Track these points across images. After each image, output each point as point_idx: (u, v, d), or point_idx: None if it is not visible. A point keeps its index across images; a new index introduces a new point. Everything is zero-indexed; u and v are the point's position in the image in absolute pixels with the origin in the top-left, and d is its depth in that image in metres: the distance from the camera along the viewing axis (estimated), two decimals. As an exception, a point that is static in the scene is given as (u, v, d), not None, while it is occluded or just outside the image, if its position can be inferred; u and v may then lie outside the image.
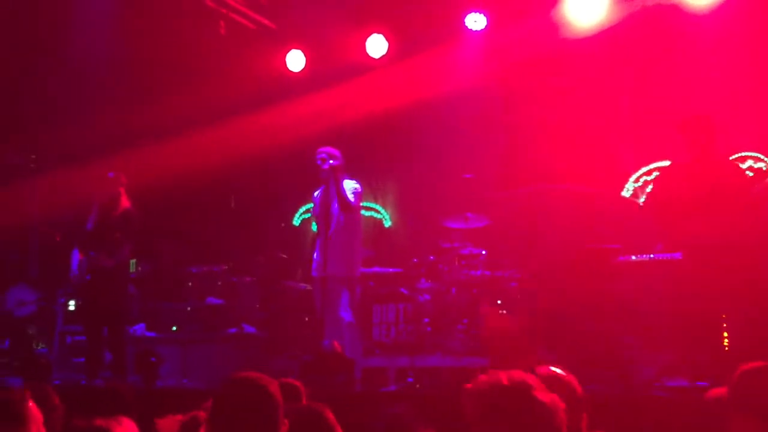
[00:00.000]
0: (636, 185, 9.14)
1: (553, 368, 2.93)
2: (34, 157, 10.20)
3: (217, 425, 2.56)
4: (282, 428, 2.61)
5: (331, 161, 6.82)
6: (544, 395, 2.07)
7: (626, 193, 9.18)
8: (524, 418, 2.02)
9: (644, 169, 9.12)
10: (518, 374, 2.11)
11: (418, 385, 6.77)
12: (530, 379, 2.11)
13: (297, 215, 10.95)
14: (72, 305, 9.02)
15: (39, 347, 9.48)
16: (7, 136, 9.68)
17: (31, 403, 3.27)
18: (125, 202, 7.35)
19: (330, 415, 3.04)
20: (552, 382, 2.77)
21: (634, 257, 6.48)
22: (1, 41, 9.12)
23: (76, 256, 7.32)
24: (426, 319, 7.65)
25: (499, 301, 7.71)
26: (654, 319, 6.12)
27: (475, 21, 9.38)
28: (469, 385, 2.11)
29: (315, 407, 3.10)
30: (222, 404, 2.59)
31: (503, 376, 2.08)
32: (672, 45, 8.80)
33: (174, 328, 8.78)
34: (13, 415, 3.20)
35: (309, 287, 8.12)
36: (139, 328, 8.65)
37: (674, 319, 5.89)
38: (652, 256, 6.40)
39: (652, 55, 8.89)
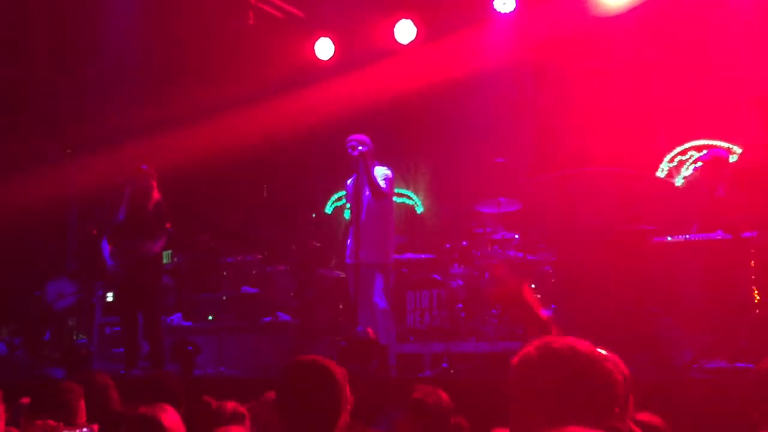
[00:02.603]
0: (671, 165, 9.00)
1: (598, 349, 2.89)
2: (69, 151, 10.36)
3: (283, 408, 2.65)
4: (347, 407, 2.69)
5: (360, 147, 6.81)
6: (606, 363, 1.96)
7: (661, 173, 9.05)
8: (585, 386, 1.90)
9: (679, 149, 8.98)
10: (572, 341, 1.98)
11: (452, 371, 6.77)
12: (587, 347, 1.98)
13: (329, 203, 10.98)
14: (110, 297, 9.17)
15: (79, 338, 9.65)
16: (43, 129, 9.83)
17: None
18: (156, 195, 7.42)
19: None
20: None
21: (669, 238, 6.39)
22: (36, 41, 9.27)
23: (106, 247, 7.42)
24: (459, 305, 7.63)
25: (533, 285, 7.67)
26: (692, 301, 6.03)
27: (504, 3, 9.28)
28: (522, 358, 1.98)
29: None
30: (287, 387, 2.68)
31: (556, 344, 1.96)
32: (706, 21, 8.62)
33: (210, 318, 8.87)
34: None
35: (343, 275, 8.15)
36: (176, 318, 8.77)
37: (713, 300, 5.81)
38: (688, 236, 6.31)
39: (685, 33, 8.71)
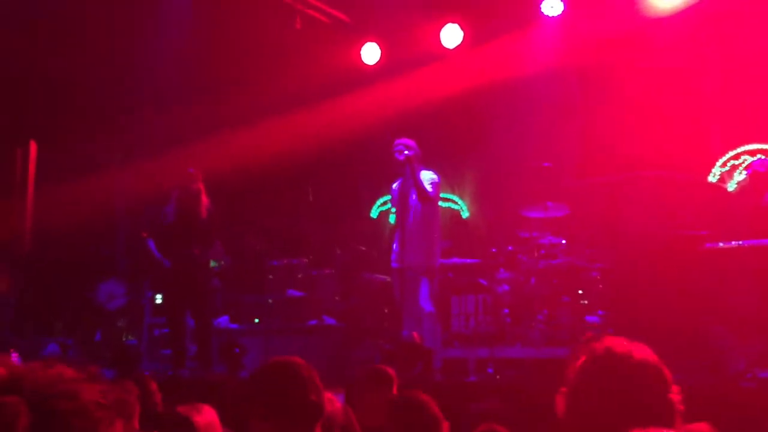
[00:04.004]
0: (723, 170, 8.81)
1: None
2: (119, 155, 10.57)
3: (257, 409, 2.57)
4: (325, 408, 2.61)
5: (406, 152, 6.81)
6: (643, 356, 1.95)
7: (713, 178, 8.86)
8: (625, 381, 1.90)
9: (731, 153, 8.79)
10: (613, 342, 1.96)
11: (498, 377, 6.71)
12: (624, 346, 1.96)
13: (375, 207, 11.00)
14: (159, 299, 9.31)
15: (128, 339, 9.82)
16: (94, 133, 10.03)
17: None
18: (205, 199, 7.48)
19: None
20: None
21: (721, 244, 6.25)
22: (88, 48, 9.46)
23: (153, 246, 7.51)
24: (505, 310, 7.58)
25: (580, 291, 7.57)
26: (745, 308, 5.90)
27: (552, 6, 9.20)
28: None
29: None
30: (258, 389, 2.61)
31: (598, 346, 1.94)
32: (759, 23, 8.42)
33: (256, 320, 8.95)
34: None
35: (388, 279, 8.15)
36: (223, 320, 8.86)
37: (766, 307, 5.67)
38: (741, 242, 6.17)
39: (737, 35, 8.53)
